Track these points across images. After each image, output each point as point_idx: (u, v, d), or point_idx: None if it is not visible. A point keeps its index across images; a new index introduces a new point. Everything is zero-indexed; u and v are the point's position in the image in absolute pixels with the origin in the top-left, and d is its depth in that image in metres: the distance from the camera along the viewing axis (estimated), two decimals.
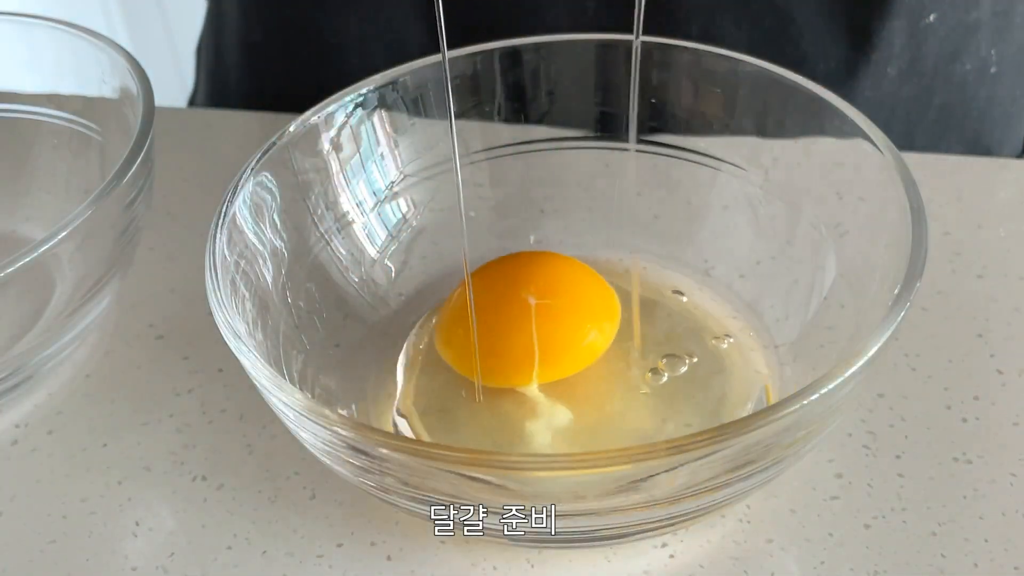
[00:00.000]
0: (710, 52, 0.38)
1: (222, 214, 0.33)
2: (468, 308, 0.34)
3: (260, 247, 0.35)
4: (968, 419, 0.35)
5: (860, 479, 0.34)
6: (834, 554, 0.32)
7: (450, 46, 0.38)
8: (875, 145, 0.33)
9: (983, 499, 0.33)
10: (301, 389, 0.32)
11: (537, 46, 0.39)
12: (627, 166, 0.40)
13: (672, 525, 0.30)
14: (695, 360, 0.36)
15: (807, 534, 0.32)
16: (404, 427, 0.35)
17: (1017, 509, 0.33)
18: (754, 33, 0.48)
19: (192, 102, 0.68)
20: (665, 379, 0.36)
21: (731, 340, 0.37)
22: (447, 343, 0.37)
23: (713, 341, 0.37)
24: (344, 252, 0.38)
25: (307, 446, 0.31)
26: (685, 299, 0.39)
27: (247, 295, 0.33)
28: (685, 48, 0.38)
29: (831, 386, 0.27)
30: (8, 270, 0.33)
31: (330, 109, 0.37)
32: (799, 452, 0.30)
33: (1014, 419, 0.35)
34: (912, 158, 0.39)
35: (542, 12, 0.50)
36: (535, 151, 0.38)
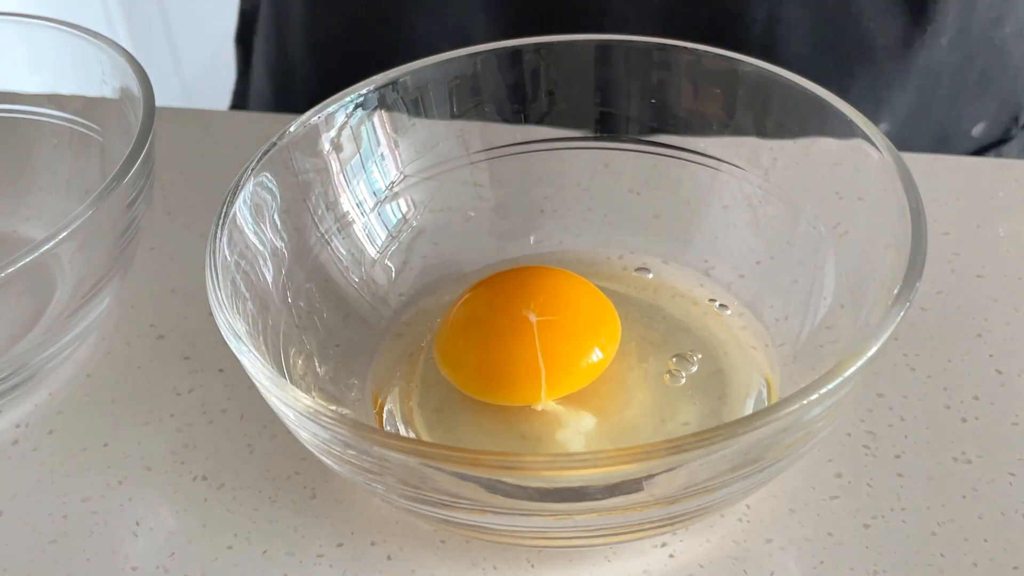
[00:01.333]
0: (709, 52, 0.38)
1: (222, 214, 0.33)
2: (471, 326, 0.34)
3: (260, 247, 0.35)
4: (967, 419, 0.35)
5: (860, 479, 0.34)
6: (834, 554, 0.32)
7: (512, 37, 0.38)
8: (875, 145, 0.33)
9: (982, 499, 0.33)
10: (301, 389, 0.32)
11: (537, 46, 0.39)
12: (627, 166, 0.40)
13: (672, 525, 0.30)
14: (699, 356, 0.37)
15: (807, 534, 0.32)
16: (404, 427, 0.35)
17: (1016, 509, 0.33)
18: (818, 13, 0.50)
19: (242, 96, 0.67)
20: (683, 380, 0.36)
21: (728, 312, 0.37)
22: (450, 364, 0.36)
23: (712, 314, 0.37)
24: (344, 252, 0.38)
25: (307, 446, 0.31)
26: (684, 299, 0.39)
27: (247, 295, 0.33)
28: (684, 48, 0.38)
29: (831, 386, 0.27)
30: (9, 270, 0.33)
31: (330, 109, 0.37)
32: (799, 452, 0.30)
33: (1013, 419, 0.35)
34: (911, 158, 0.39)
35: (605, 2, 0.50)
36: (535, 151, 0.38)
